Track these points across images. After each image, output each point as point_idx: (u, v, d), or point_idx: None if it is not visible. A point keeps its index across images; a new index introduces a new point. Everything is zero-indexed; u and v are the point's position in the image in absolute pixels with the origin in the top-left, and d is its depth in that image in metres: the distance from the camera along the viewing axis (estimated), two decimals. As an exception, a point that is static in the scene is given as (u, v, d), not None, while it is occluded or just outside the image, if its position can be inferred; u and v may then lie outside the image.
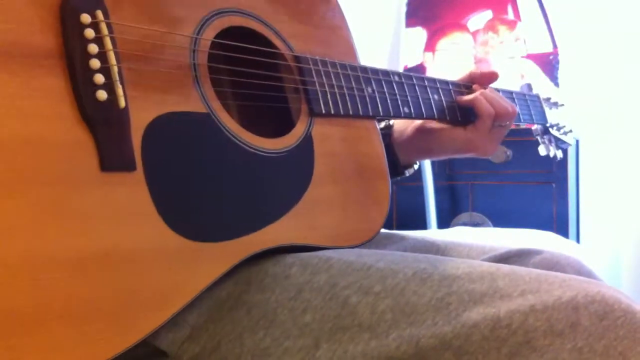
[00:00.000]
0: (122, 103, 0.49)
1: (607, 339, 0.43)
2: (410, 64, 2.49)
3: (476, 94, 0.83)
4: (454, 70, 2.39)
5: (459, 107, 0.83)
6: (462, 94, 0.85)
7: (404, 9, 2.57)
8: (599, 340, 0.43)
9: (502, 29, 2.39)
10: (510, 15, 2.38)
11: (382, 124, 0.88)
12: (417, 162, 0.90)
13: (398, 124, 0.88)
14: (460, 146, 0.84)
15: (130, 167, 0.49)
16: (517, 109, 0.88)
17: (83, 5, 0.49)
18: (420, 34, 2.54)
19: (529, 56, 2.30)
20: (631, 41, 2.14)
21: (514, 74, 2.28)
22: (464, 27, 2.46)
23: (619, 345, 0.43)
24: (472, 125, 0.83)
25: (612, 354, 0.42)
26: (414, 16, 2.56)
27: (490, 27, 2.41)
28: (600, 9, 2.17)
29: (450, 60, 2.47)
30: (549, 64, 2.26)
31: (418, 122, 0.86)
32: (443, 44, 2.50)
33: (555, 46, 2.27)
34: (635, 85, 2.14)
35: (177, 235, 0.50)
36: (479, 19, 2.44)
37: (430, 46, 2.52)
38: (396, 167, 0.86)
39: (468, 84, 0.87)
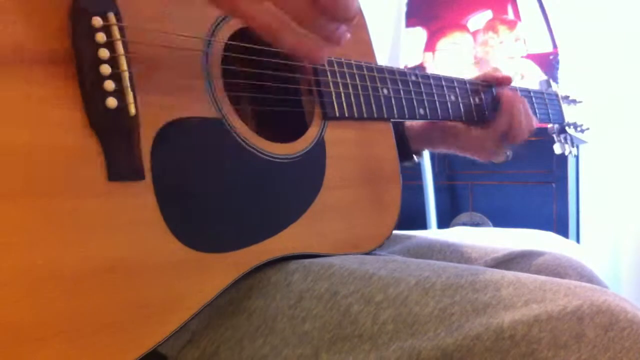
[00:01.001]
0: (133, 110, 0.47)
1: (613, 351, 0.42)
2: (410, 64, 2.49)
3: (517, 105, 0.84)
4: (454, 71, 2.39)
5: (475, 107, 0.83)
6: (479, 92, 0.84)
7: (404, 9, 2.57)
8: (604, 353, 0.42)
9: (502, 29, 2.39)
10: (510, 15, 2.38)
11: None
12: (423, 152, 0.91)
13: None
14: (465, 146, 0.86)
15: (138, 176, 0.48)
16: (536, 113, 0.90)
17: (94, 8, 0.47)
18: (420, 34, 2.54)
19: (529, 56, 2.30)
20: (631, 41, 2.14)
21: (514, 74, 2.28)
22: (464, 27, 2.46)
23: (624, 357, 0.42)
24: (486, 129, 0.84)
25: None
26: (414, 16, 2.55)
27: (490, 27, 2.41)
28: (600, 9, 2.17)
29: (450, 60, 2.46)
30: (549, 64, 2.26)
31: None
32: (443, 44, 2.50)
33: (555, 46, 2.27)
34: (635, 85, 2.14)
35: (184, 246, 0.49)
36: (479, 19, 2.43)
37: (430, 46, 2.52)
38: (407, 154, 0.88)
39: (485, 83, 0.87)
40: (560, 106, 1.01)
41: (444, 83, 0.79)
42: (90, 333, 0.43)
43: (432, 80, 0.78)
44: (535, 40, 2.31)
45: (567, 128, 1.04)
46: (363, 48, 0.74)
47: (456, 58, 2.45)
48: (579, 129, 1.06)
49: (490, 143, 0.85)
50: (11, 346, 0.40)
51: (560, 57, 2.25)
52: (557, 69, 2.24)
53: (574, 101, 1.06)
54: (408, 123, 0.88)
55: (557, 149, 1.04)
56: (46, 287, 0.41)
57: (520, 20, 2.36)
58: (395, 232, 0.84)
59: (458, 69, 2.41)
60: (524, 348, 0.43)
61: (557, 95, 1.02)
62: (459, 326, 0.45)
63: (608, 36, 2.15)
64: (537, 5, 2.31)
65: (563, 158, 2.07)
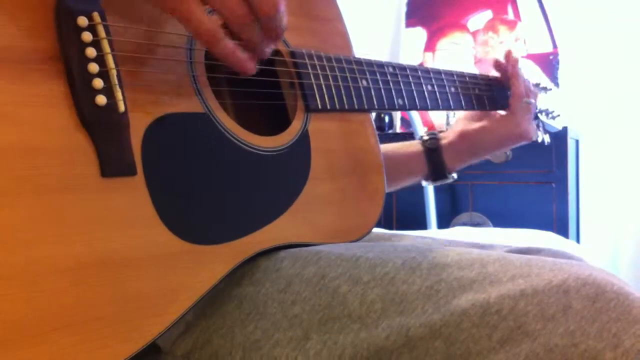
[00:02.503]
0: (122, 107, 0.48)
1: (600, 322, 0.42)
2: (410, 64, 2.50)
3: (516, 74, 0.91)
4: (454, 70, 2.39)
5: (452, 96, 0.85)
6: (455, 82, 0.87)
7: (404, 9, 2.58)
8: (591, 323, 0.42)
9: (502, 29, 2.39)
10: (510, 15, 2.38)
11: (426, 132, 0.94)
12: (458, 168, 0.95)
13: (443, 133, 0.94)
14: (505, 133, 0.91)
15: (130, 171, 0.48)
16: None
17: (79, 8, 0.48)
18: (420, 34, 2.54)
19: (529, 56, 2.30)
20: (631, 41, 2.14)
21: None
22: (464, 27, 2.47)
23: (612, 327, 0.42)
24: (506, 111, 0.91)
25: (606, 336, 0.41)
26: (414, 16, 2.56)
27: (490, 27, 2.41)
28: (600, 9, 2.17)
29: (450, 60, 2.47)
30: (549, 64, 2.26)
31: (458, 128, 0.92)
32: (443, 44, 2.50)
33: (555, 46, 2.27)
34: (635, 85, 2.14)
35: (178, 239, 0.50)
36: (479, 19, 2.44)
37: (430, 46, 2.52)
38: (443, 171, 0.91)
39: (466, 74, 0.89)
40: None
41: (420, 74, 0.81)
42: (88, 327, 0.43)
43: (408, 72, 0.79)
44: (535, 40, 2.32)
45: (539, 115, 1.06)
46: (339, 40, 0.75)
47: (456, 58, 2.46)
48: (550, 115, 1.09)
49: (520, 115, 0.90)
50: (12, 341, 0.40)
51: (560, 57, 2.25)
52: (557, 69, 2.25)
53: (545, 89, 1.08)
54: (442, 141, 0.92)
55: None
56: (43, 283, 0.42)
57: (520, 20, 2.36)
58: (392, 232, 0.85)
59: (458, 69, 2.41)
60: (512, 322, 0.43)
61: (528, 82, 1.04)
62: (446, 302, 0.45)
63: (608, 36, 2.15)
64: (537, 5, 2.32)
65: (563, 158, 2.07)
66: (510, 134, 0.90)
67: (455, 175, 0.93)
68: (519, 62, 0.92)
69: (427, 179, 0.93)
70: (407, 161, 0.92)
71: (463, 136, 0.91)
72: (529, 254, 0.71)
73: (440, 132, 0.94)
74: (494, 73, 0.96)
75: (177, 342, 0.53)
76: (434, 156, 0.90)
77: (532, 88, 0.92)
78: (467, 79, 0.89)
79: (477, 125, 0.91)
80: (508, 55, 0.94)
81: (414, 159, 0.92)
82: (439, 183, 0.92)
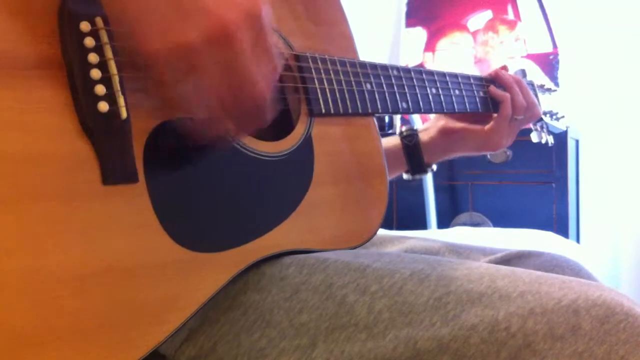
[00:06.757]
0: (124, 114, 0.47)
1: (609, 344, 0.42)
2: (410, 64, 2.49)
3: (505, 93, 0.90)
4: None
5: (456, 98, 0.85)
6: (459, 84, 0.87)
7: (404, 9, 2.58)
8: (600, 345, 0.42)
9: (502, 29, 2.39)
10: (510, 15, 2.38)
11: (405, 127, 0.94)
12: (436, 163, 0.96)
13: (422, 126, 0.94)
14: (481, 143, 0.91)
15: (132, 179, 0.48)
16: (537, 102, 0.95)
17: (82, 12, 0.47)
18: (420, 34, 2.54)
19: (529, 56, 2.30)
20: (631, 41, 2.14)
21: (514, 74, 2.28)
22: (464, 27, 2.46)
23: (620, 350, 0.42)
24: (492, 122, 0.90)
25: (614, 358, 0.42)
26: (414, 16, 2.56)
27: (490, 27, 2.41)
28: (600, 9, 2.17)
29: (450, 60, 2.47)
30: (549, 64, 2.26)
31: (440, 123, 0.92)
32: (443, 44, 2.50)
33: (555, 46, 2.27)
34: (635, 85, 2.14)
35: (179, 247, 0.49)
36: (479, 19, 2.44)
37: (430, 46, 2.52)
38: (422, 166, 0.92)
39: (471, 75, 0.89)
40: (536, 95, 1.03)
41: (425, 77, 0.80)
42: (90, 336, 0.43)
43: (413, 75, 0.78)
44: (535, 40, 2.31)
45: (543, 116, 1.05)
46: (344, 43, 0.74)
47: (456, 58, 2.46)
48: (554, 117, 1.09)
49: (503, 132, 0.89)
50: (12, 351, 0.40)
51: (560, 57, 2.25)
52: (557, 69, 2.25)
53: (549, 90, 1.08)
54: (421, 135, 0.92)
55: (534, 137, 1.06)
56: (45, 291, 0.41)
57: (520, 20, 2.36)
58: (392, 233, 0.84)
59: (458, 69, 2.41)
60: (521, 340, 0.43)
61: (533, 84, 1.03)
62: (454, 316, 0.45)
63: (608, 36, 2.15)
64: (537, 5, 2.32)
65: (563, 158, 2.07)
66: (487, 144, 0.91)
67: (434, 167, 0.94)
68: (513, 77, 0.92)
69: (406, 173, 0.94)
70: (388, 158, 0.92)
71: (444, 133, 0.92)
72: (530, 258, 0.71)
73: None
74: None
75: (181, 349, 0.53)
76: (414, 153, 0.91)
77: (522, 104, 0.91)
78: (472, 80, 0.88)
79: (458, 125, 0.91)
80: (499, 73, 0.93)
81: (395, 155, 0.92)
82: (418, 177, 0.94)
